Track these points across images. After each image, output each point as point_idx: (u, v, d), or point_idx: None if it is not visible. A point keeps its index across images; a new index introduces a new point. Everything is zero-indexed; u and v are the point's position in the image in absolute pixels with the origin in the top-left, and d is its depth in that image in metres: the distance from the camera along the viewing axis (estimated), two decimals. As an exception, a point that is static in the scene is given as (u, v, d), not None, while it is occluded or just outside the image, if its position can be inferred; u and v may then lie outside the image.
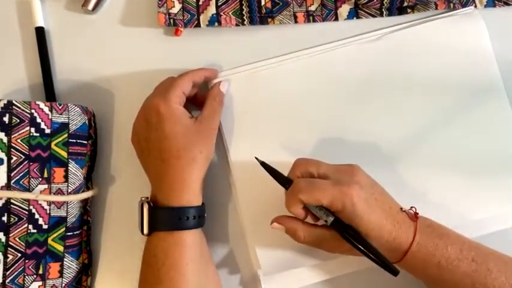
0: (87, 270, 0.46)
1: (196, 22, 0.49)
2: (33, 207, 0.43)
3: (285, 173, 0.42)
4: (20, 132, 0.43)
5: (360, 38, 0.50)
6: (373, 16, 0.51)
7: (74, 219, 0.44)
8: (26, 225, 0.43)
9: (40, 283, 0.43)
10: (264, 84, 0.48)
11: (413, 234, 0.39)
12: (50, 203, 0.43)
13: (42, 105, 0.43)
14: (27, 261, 0.43)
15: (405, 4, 0.50)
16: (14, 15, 0.50)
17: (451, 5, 0.50)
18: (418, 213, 0.40)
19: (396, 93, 0.48)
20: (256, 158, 0.43)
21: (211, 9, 0.49)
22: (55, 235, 0.43)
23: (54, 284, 0.43)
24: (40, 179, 0.43)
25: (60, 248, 0.44)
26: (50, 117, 0.43)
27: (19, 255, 0.43)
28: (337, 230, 0.39)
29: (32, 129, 0.43)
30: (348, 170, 0.40)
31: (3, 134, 0.42)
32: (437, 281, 0.39)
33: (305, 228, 0.41)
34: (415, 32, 0.49)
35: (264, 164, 0.43)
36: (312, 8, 0.50)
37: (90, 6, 0.49)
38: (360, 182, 0.39)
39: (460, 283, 0.38)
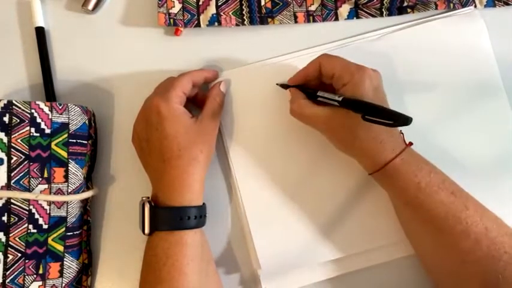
0: (87, 270, 0.46)
1: (196, 22, 0.49)
2: (33, 207, 0.43)
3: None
4: (20, 132, 0.43)
5: (360, 38, 0.50)
6: (373, 16, 0.51)
7: (74, 219, 0.44)
8: (26, 225, 0.43)
9: (40, 283, 0.43)
10: (264, 84, 0.48)
11: (401, 150, 0.39)
12: (50, 203, 0.43)
13: (42, 105, 0.43)
14: (27, 261, 0.43)
15: (405, 4, 0.50)
16: (14, 15, 0.50)
17: (451, 5, 0.50)
18: (412, 143, 0.41)
19: (396, 93, 0.48)
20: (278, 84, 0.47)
21: (211, 9, 0.49)
22: (55, 235, 0.43)
23: (54, 284, 0.43)
24: (40, 179, 0.43)
25: (60, 248, 0.44)
26: (50, 117, 0.43)
27: (19, 255, 0.43)
28: (348, 103, 0.39)
29: (32, 129, 0.43)
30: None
31: (3, 134, 0.42)
32: (412, 204, 0.39)
33: (307, 101, 0.43)
34: (415, 32, 0.49)
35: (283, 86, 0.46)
36: (312, 8, 0.50)
37: (90, 6, 0.49)
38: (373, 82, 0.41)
39: (434, 210, 0.38)
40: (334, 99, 0.40)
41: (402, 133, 0.41)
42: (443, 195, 0.38)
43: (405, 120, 0.35)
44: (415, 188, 0.39)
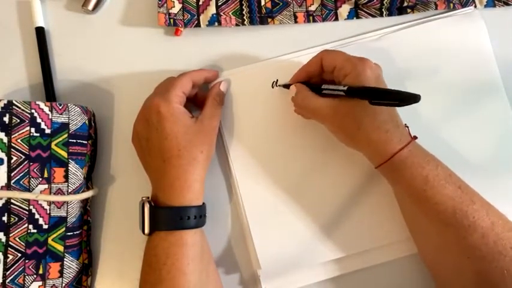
0: (87, 270, 0.46)
1: (196, 22, 0.49)
2: (33, 207, 0.43)
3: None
4: (20, 132, 0.43)
5: (360, 38, 0.50)
6: (373, 16, 0.51)
7: (74, 219, 0.44)
8: (26, 225, 0.43)
9: (40, 283, 0.43)
10: (264, 84, 0.48)
11: (408, 142, 0.39)
12: (50, 203, 0.43)
13: (42, 105, 0.43)
14: (27, 261, 0.43)
15: (405, 4, 0.50)
16: (14, 15, 0.50)
17: (451, 5, 0.50)
18: (416, 137, 0.41)
19: (396, 93, 0.48)
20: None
21: (211, 9, 0.49)
22: (55, 235, 0.43)
23: (54, 284, 0.43)
24: (40, 179, 0.43)
25: (60, 248, 0.44)
26: (50, 117, 0.43)
27: (19, 255, 0.43)
28: (354, 91, 0.39)
29: (32, 129, 0.43)
30: None
31: (3, 134, 0.42)
32: (418, 198, 0.39)
33: (312, 93, 0.43)
34: (415, 32, 0.49)
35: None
36: (312, 8, 0.50)
37: (90, 6, 0.49)
38: (374, 72, 0.41)
39: (442, 204, 0.38)
40: (339, 89, 0.40)
41: (407, 126, 0.41)
42: (450, 189, 0.38)
43: (414, 98, 0.35)
44: (423, 181, 0.38)
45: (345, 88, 0.39)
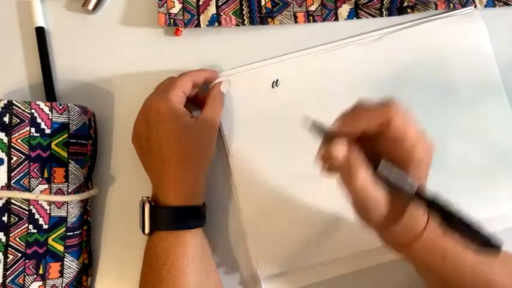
0: (87, 270, 0.46)
1: (196, 22, 0.49)
2: (34, 207, 0.43)
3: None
4: (20, 132, 0.43)
5: (360, 38, 0.50)
6: (373, 16, 0.51)
7: (74, 219, 0.44)
8: (26, 225, 0.43)
9: (40, 283, 0.43)
10: (264, 84, 0.48)
11: (427, 219, 0.34)
12: (50, 203, 0.43)
13: (42, 105, 0.43)
14: (27, 261, 0.43)
15: (405, 4, 0.50)
16: (14, 15, 0.50)
17: (451, 5, 0.50)
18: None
19: (396, 93, 0.48)
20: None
21: (212, 9, 0.49)
22: (55, 235, 0.43)
23: (54, 284, 0.43)
24: (40, 179, 0.43)
25: (61, 248, 0.44)
26: (50, 117, 0.43)
27: (19, 255, 0.43)
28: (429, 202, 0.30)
29: (32, 129, 0.43)
30: None
31: (3, 134, 0.42)
32: (438, 275, 0.36)
33: (369, 174, 0.31)
34: (415, 32, 0.49)
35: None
36: (312, 8, 0.50)
37: (90, 6, 0.49)
38: None
39: (460, 272, 0.35)
40: (406, 185, 0.30)
41: None
42: (469, 256, 0.35)
43: (493, 247, 0.28)
44: (442, 257, 0.35)
45: (415, 189, 0.30)
